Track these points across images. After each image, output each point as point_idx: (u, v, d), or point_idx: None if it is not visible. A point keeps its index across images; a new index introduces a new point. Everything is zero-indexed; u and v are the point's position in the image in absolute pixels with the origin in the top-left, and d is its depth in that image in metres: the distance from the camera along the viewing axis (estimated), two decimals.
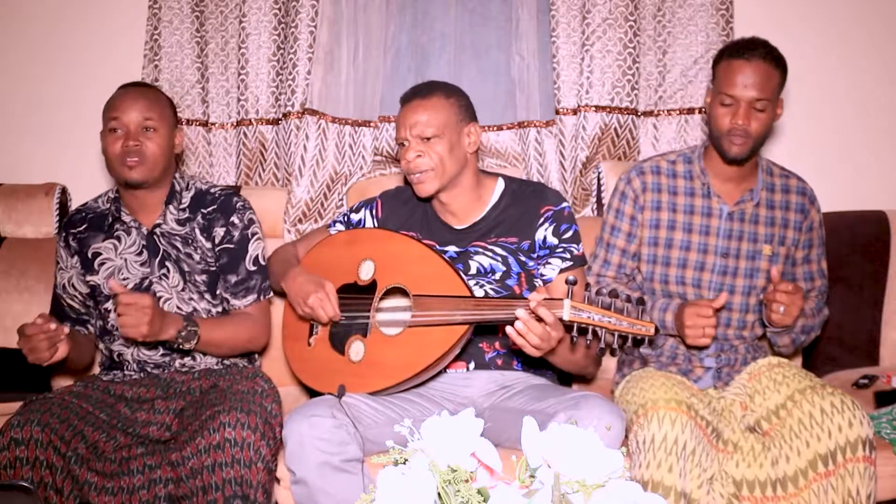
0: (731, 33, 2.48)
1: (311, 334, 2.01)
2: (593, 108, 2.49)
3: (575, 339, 1.63)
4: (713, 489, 1.76)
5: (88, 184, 2.60)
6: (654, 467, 1.68)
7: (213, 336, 1.92)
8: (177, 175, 2.03)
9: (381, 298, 1.92)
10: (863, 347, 2.39)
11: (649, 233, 2.02)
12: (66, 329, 1.82)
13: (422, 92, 1.94)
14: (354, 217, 2.11)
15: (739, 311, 1.98)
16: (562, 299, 1.61)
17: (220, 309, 2.02)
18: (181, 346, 1.88)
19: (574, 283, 1.61)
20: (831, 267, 2.15)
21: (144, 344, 1.92)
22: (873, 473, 1.69)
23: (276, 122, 2.58)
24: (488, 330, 1.90)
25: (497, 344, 1.93)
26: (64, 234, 2.02)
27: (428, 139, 1.88)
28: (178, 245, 1.98)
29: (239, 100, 2.57)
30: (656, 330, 1.61)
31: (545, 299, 1.64)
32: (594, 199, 2.55)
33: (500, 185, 2.00)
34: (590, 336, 1.60)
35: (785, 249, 2.01)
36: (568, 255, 1.91)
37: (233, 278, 2.00)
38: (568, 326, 1.63)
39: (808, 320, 2.01)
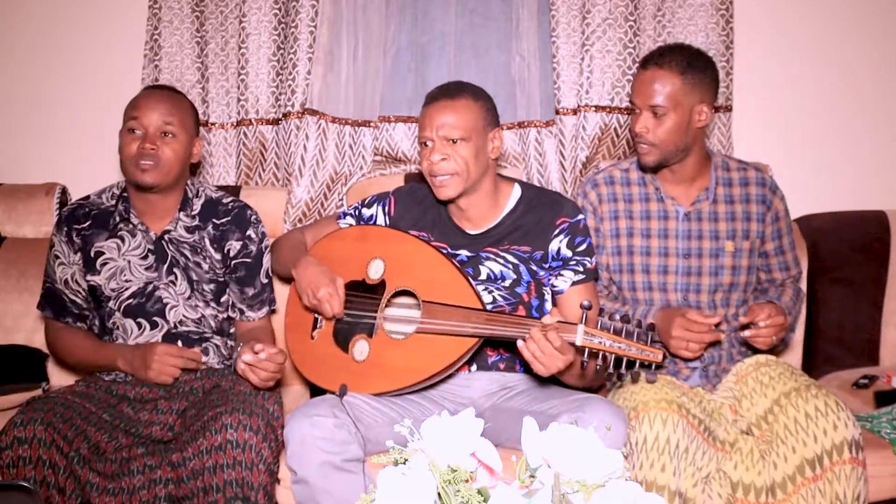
0: (731, 33, 2.49)
1: (314, 327, 2.00)
2: (593, 108, 2.49)
3: (585, 363, 1.65)
4: (710, 488, 1.76)
5: (88, 184, 2.58)
6: (648, 467, 1.68)
7: None
8: (189, 183, 2.03)
9: (389, 300, 1.91)
10: (863, 347, 2.39)
11: (612, 243, 2.04)
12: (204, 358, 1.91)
13: (450, 92, 1.88)
14: (366, 212, 2.08)
15: (708, 307, 1.99)
16: (575, 324, 1.62)
17: (224, 316, 2.03)
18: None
19: (589, 307, 1.62)
20: (831, 267, 2.15)
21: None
22: (861, 474, 1.69)
23: (276, 122, 2.58)
24: (497, 344, 1.89)
25: (501, 349, 1.92)
26: (66, 229, 2.00)
27: (454, 142, 1.84)
28: (187, 253, 1.98)
29: (239, 100, 2.57)
30: (664, 356, 1.62)
31: (559, 322, 1.64)
32: None
33: (517, 191, 1.97)
34: (599, 361, 1.62)
35: (749, 243, 2.00)
36: (581, 269, 1.91)
37: (250, 291, 2.03)
38: (579, 350, 1.65)
39: (791, 313, 2.01)
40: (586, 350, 1.62)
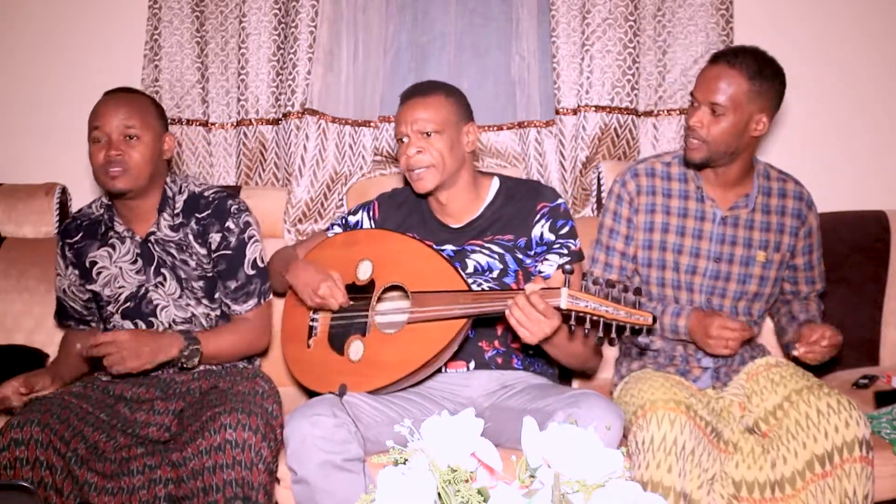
0: (731, 33, 2.49)
1: (309, 336, 2.01)
2: (593, 108, 2.49)
3: (573, 327, 1.63)
4: (714, 489, 1.76)
5: (88, 184, 2.60)
6: (654, 468, 1.68)
7: (216, 349, 1.93)
8: (168, 180, 2.00)
9: (380, 297, 1.92)
10: (863, 347, 2.39)
11: (644, 235, 2.02)
12: (46, 393, 1.89)
13: (422, 90, 1.95)
14: (352, 219, 2.12)
15: (730, 313, 1.98)
16: (559, 288, 1.61)
17: (218, 313, 2.01)
18: (185, 366, 1.89)
19: (571, 272, 1.61)
20: (831, 267, 2.16)
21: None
22: (870, 473, 1.69)
23: (276, 122, 2.58)
24: (487, 323, 1.90)
25: (496, 342, 1.93)
26: (61, 244, 2.02)
27: (428, 135, 1.89)
28: (173, 252, 1.97)
29: (239, 100, 2.57)
30: (654, 319, 1.59)
31: (542, 288, 1.63)
32: (594, 199, 2.55)
33: (496, 183, 2.00)
34: (588, 325, 1.60)
35: (780, 256, 2.00)
36: (565, 251, 1.92)
37: (232, 284, 1.99)
38: (566, 316, 1.63)
39: None
40: (573, 314, 1.60)
